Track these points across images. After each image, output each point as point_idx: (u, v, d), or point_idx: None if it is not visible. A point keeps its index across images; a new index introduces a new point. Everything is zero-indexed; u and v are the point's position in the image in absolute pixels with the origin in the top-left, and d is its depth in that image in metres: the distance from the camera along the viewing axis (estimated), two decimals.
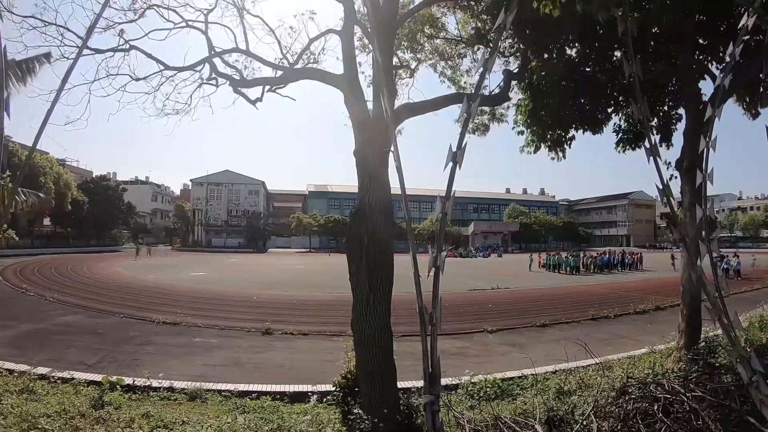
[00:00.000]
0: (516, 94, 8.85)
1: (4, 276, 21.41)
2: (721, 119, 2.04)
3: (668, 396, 4.43)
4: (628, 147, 9.14)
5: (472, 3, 8.42)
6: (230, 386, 6.93)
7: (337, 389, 5.92)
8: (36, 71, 6.65)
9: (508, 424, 4.31)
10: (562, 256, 33.95)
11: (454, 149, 1.82)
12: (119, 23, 7.06)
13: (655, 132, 8.66)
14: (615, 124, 9.20)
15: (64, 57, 6.72)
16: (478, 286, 21.39)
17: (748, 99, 8.55)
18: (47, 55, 6.71)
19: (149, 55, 6.96)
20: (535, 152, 8.72)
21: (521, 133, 8.87)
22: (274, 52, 46.14)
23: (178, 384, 6.79)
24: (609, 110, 8.67)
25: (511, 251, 65.92)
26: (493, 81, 11.29)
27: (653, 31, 7.23)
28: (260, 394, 6.62)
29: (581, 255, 34.25)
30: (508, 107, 9.76)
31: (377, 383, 5.08)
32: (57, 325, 11.26)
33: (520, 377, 7.19)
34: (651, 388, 4.63)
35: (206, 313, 13.27)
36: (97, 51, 6.68)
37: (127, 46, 6.99)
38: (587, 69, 8.01)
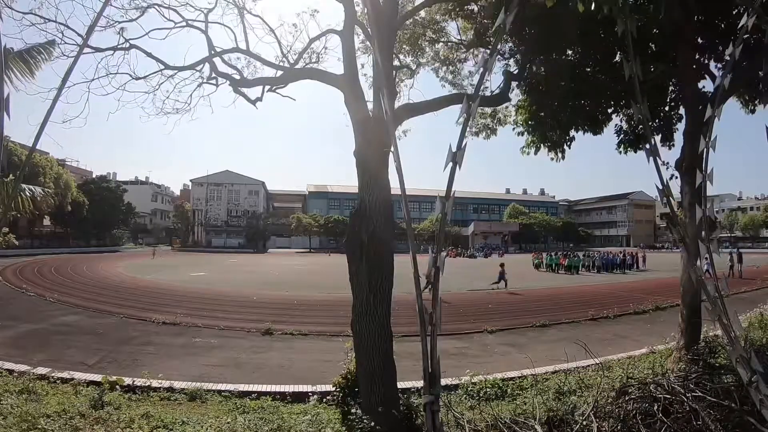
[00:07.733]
0: (516, 96, 8.87)
1: (4, 276, 21.40)
2: (721, 119, 2.05)
3: (668, 396, 4.42)
4: (629, 148, 9.14)
5: (472, 3, 8.41)
6: (230, 386, 6.91)
7: (337, 389, 5.93)
8: (41, 62, 6.59)
9: (507, 424, 4.31)
10: (558, 255, 34.21)
11: (454, 149, 1.82)
12: (120, 22, 7.05)
13: (655, 132, 8.66)
14: (616, 124, 9.20)
15: (64, 55, 6.71)
16: (477, 286, 21.39)
17: (747, 97, 8.56)
18: (51, 43, 6.65)
19: (149, 54, 6.95)
20: (535, 153, 8.74)
21: (521, 134, 8.87)
22: (274, 52, 46.13)
23: (178, 384, 6.77)
24: (609, 111, 8.67)
25: (512, 251, 65.87)
26: (494, 82, 11.26)
27: (653, 31, 7.22)
28: (260, 394, 6.61)
29: (581, 255, 34.37)
30: (508, 107, 9.77)
31: (377, 383, 5.07)
32: (57, 325, 11.25)
33: (520, 377, 7.17)
34: (651, 388, 4.63)
35: (206, 314, 13.26)
36: (97, 49, 6.66)
37: (128, 44, 6.97)
38: (587, 69, 8.01)
